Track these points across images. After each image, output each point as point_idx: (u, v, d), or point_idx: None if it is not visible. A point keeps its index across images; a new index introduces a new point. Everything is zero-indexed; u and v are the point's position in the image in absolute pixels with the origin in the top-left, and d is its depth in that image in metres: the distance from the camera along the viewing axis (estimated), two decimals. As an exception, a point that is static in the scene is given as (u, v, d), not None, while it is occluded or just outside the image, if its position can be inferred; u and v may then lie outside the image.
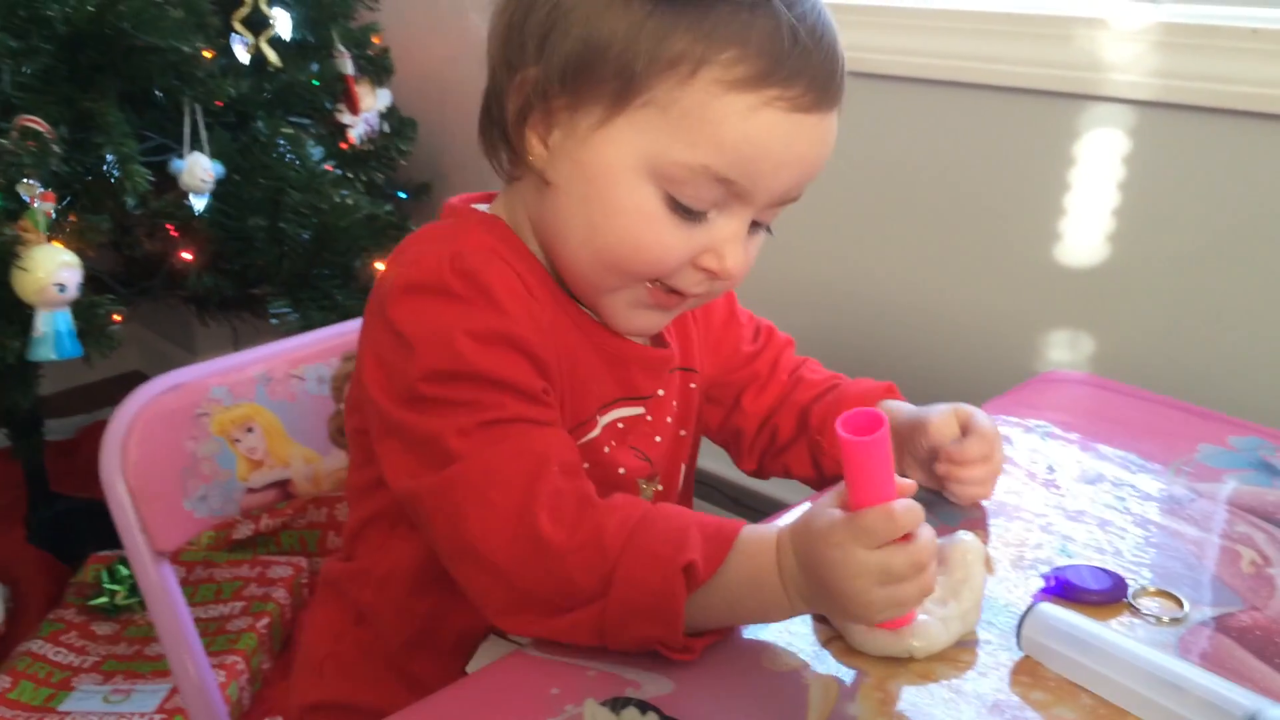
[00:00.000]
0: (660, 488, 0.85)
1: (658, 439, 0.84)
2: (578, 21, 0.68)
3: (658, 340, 0.84)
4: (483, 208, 0.81)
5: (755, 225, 0.74)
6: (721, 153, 0.68)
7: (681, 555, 0.63)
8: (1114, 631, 0.67)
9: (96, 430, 0.88)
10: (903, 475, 0.87)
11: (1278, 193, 1.25)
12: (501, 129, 0.74)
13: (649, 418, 0.83)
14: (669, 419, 0.85)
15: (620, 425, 0.81)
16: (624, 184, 0.70)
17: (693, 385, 0.89)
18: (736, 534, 0.66)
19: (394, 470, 0.71)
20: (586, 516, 0.66)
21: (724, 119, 0.67)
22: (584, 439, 0.78)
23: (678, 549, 0.64)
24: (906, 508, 0.62)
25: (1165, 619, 0.71)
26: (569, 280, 0.77)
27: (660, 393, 0.84)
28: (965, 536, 0.72)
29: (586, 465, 0.78)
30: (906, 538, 0.62)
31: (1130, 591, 0.74)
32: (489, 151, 0.77)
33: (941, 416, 0.85)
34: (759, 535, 0.67)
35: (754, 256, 0.76)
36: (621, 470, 0.80)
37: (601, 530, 0.65)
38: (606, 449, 0.79)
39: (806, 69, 0.67)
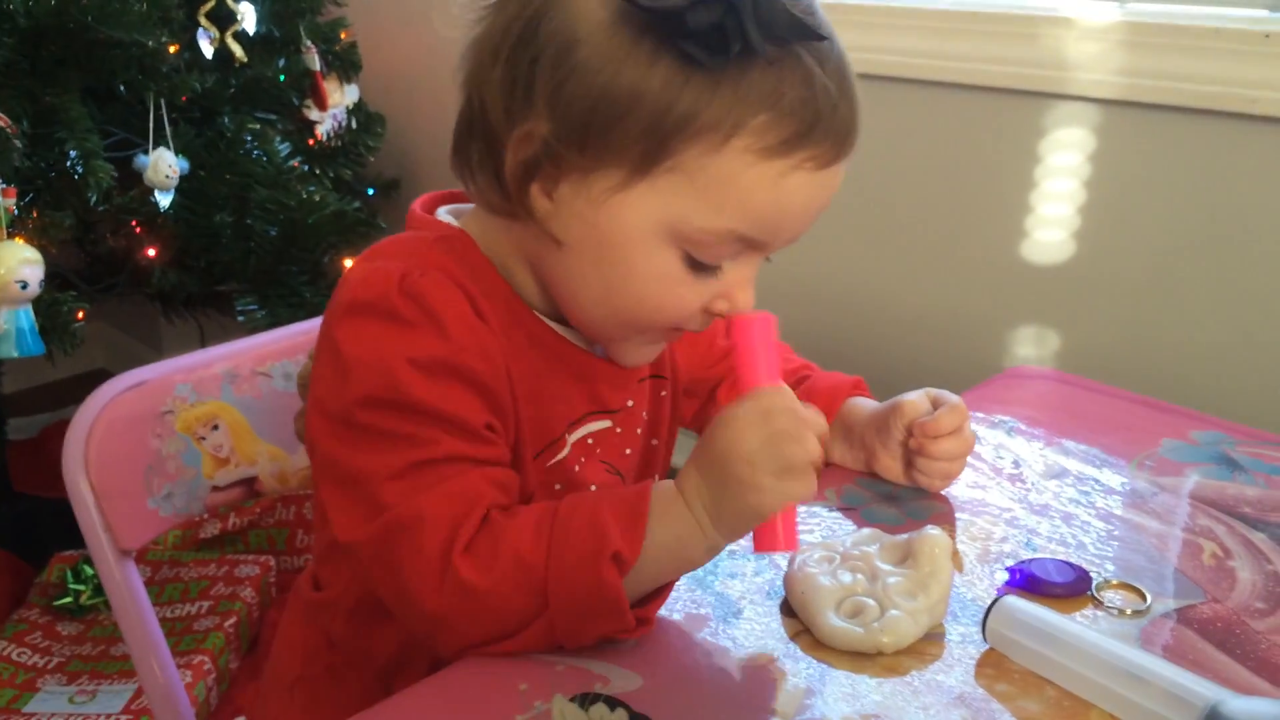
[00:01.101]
0: None
1: (628, 451, 0.83)
2: (598, 76, 0.64)
3: None
4: (448, 212, 0.78)
5: None
6: (747, 217, 0.66)
7: (606, 547, 0.63)
8: (1078, 624, 0.67)
9: (60, 429, 0.87)
10: (877, 466, 0.88)
11: (1239, 190, 1.26)
12: (494, 174, 0.70)
13: (618, 430, 0.81)
14: (639, 430, 0.84)
15: (590, 441, 0.79)
16: (643, 249, 0.67)
17: (664, 393, 0.87)
18: (648, 495, 0.66)
19: (336, 524, 0.69)
20: (501, 545, 0.64)
21: (754, 187, 0.65)
22: (553, 460, 0.77)
23: (600, 541, 0.63)
24: (788, 389, 0.66)
25: (1128, 611, 0.72)
26: (575, 324, 0.75)
27: (631, 403, 0.82)
28: (932, 531, 0.73)
29: (558, 486, 0.77)
30: None
31: (1094, 584, 0.75)
32: (464, 176, 0.73)
33: (913, 399, 0.86)
34: (667, 484, 0.67)
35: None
36: (593, 487, 0.79)
37: (518, 551, 0.64)
38: (576, 467, 0.78)
39: (835, 125, 0.66)
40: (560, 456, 0.77)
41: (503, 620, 0.65)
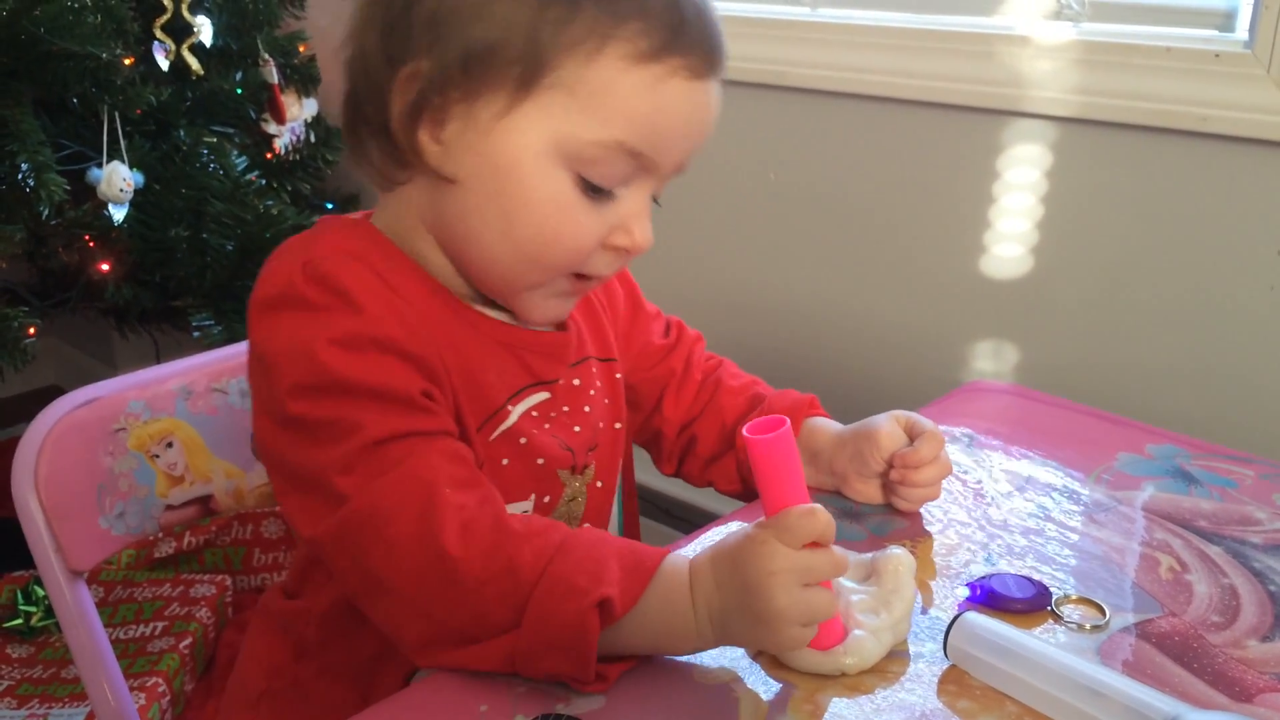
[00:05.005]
0: (600, 484, 0.83)
1: (576, 429, 0.81)
2: (473, 8, 0.66)
3: (556, 325, 0.82)
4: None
5: None
6: (633, 126, 0.68)
7: (597, 589, 0.62)
8: (1038, 640, 0.68)
9: (10, 447, 0.85)
10: (850, 491, 0.88)
11: (1191, 206, 1.28)
12: (382, 128, 0.71)
13: (565, 407, 0.81)
14: (587, 408, 0.83)
15: (535, 414, 0.79)
16: (535, 172, 0.68)
17: (618, 375, 0.87)
18: (658, 564, 0.65)
19: (295, 520, 0.68)
20: (501, 546, 0.64)
21: (634, 92, 0.67)
22: (498, 430, 0.76)
23: (594, 581, 0.62)
24: (826, 512, 0.63)
25: (1087, 626, 0.73)
26: (481, 279, 0.74)
27: (576, 382, 0.82)
28: (896, 550, 0.73)
29: (505, 461, 0.76)
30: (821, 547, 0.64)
31: (1053, 599, 0.75)
32: (359, 156, 0.74)
33: (888, 429, 0.85)
34: (678, 561, 0.66)
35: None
36: (540, 460, 0.78)
37: (515, 560, 0.63)
38: (523, 440, 0.77)
39: (702, 36, 0.69)
40: (506, 425, 0.76)
41: (475, 619, 0.64)
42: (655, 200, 0.75)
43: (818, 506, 0.63)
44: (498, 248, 0.71)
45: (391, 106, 0.69)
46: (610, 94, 0.67)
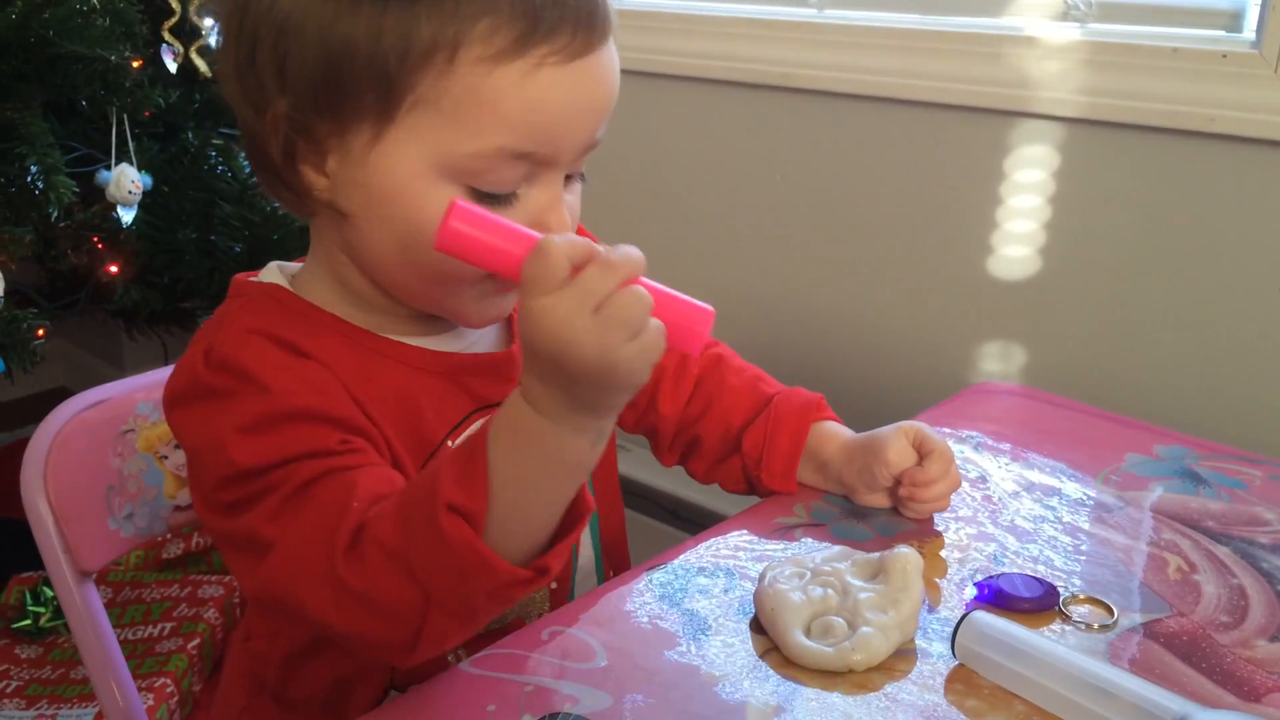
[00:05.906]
0: None
1: None
2: (310, 39, 0.63)
3: (500, 341, 0.79)
4: (276, 267, 0.76)
5: (568, 178, 0.70)
6: (511, 129, 0.63)
7: (438, 500, 0.56)
8: (1046, 639, 0.68)
9: (19, 449, 0.85)
10: (858, 501, 0.87)
11: (1198, 206, 1.28)
12: (272, 171, 0.69)
13: None
14: None
15: None
16: (422, 194, 0.65)
17: None
18: (485, 440, 0.58)
19: (238, 576, 0.67)
20: (371, 538, 0.59)
21: (502, 94, 0.62)
22: None
23: (432, 497, 0.57)
24: (560, 241, 0.54)
25: (1095, 626, 0.73)
26: (404, 300, 0.72)
27: None
28: (904, 549, 0.73)
29: None
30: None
31: (1061, 599, 0.75)
32: (272, 193, 0.72)
33: (897, 447, 0.84)
34: (505, 411, 0.58)
35: (578, 208, 0.72)
36: None
37: (384, 541, 0.58)
38: None
39: (567, 14, 0.63)
40: None
41: (403, 618, 0.59)
42: (581, 177, 0.71)
43: (544, 240, 0.54)
44: (402, 273, 0.69)
45: (270, 151, 0.67)
46: (477, 102, 0.63)
